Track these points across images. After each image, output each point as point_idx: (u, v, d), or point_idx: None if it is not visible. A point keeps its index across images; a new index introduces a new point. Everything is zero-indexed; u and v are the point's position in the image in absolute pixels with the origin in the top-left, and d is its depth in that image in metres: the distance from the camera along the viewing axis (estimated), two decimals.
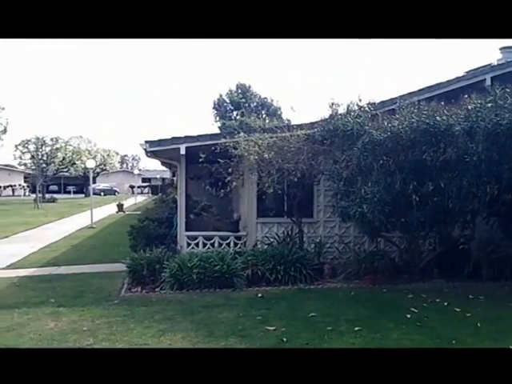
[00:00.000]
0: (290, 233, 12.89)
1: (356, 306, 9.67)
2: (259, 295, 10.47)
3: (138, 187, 73.24)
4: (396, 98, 12.16)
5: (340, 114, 11.82)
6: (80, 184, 73.64)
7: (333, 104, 12.14)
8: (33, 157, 57.11)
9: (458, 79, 13.44)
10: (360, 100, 11.96)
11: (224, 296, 10.48)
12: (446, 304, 9.72)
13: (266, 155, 11.86)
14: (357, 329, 8.12)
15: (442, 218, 10.67)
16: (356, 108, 11.84)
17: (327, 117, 12.05)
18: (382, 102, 12.46)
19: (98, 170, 67.91)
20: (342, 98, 12.71)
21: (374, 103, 12.04)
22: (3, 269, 14.40)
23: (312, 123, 12.46)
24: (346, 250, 12.93)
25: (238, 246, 12.97)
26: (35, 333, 8.21)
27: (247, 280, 11.24)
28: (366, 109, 11.76)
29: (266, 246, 12.54)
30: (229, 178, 12.29)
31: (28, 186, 71.63)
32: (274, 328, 8.24)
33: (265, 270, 11.39)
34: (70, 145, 66.32)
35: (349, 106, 11.96)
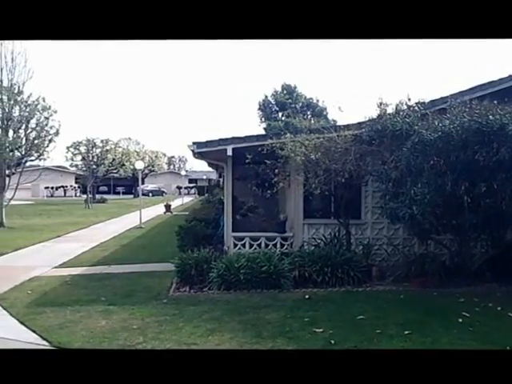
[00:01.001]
0: (337, 234, 12.80)
1: (405, 309, 9.52)
2: (306, 297, 10.44)
3: (185, 188, 74.11)
4: (447, 97, 11.92)
5: (388, 114, 11.68)
6: (129, 185, 75.00)
7: (381, 104, 12.01)
8: (84, 158, 58.52)
9: (511, 77, 13.08)
10: (409, 99, 11.80)
11: (271, 297, 10.48)
12: (499, 309, 9.46)
13: (312, 156, 11.82)
14: (406, 332, 7.99)
15: (495, 219, 10.39)
16: (405, 107, 11.68)
17: (375, 117, 11.93)
18: (432, 102, 12.24)
19: (146, 171, 69.03)
20: (390, 97, 12.55)
21: (424, 102, 11.84)
22: (56, 267, 14.79)
23: (359, 123, 12.34)
24: (394, 252, 12.74)
25: (285, 247, 12.95)
26: (87, 330, 8.41)
27: (294, 281, 11.21)
28: (416, 108, 11.58)
29: (312, 248, 12.49)
30: (275, 179, 12.28)
31: (79, 187, 73.34)
32: (321, 330, 8.20)
33: (312, 271, 11.34)
34: (120, 146, 67.76)
35: (397, 105, 11.81)
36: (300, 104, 66.01)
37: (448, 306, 9.67)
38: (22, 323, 8.94)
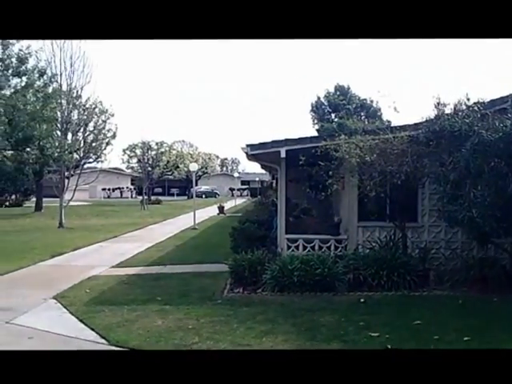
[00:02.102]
0: (392, 237, 12.58)
1: (464, 314, 9.26)
2: (361, 300, 10.31)
3: (238, 190, 74.62)
4: (507, 97, 11.56)
5: (446, 114, 11.40)
6: (183, 186, 76.11)
7: (438, 104, 11.74)
8: (139, 160, 59.68)
9: None
10: (468, 99, 11.49)
11: (325, 300, 10.40)
12: None
13: (367, 158, 11.65)
14: (466, 339, 7.77)
15: None
16: (464, 108, 11.38)
17: (432, 117, 11.68)
18: (492, 101, 11.88)
19: (199, 173, 69.80)
20: (447, 97, 12.23)
21: (483, 102, 11.50)
22: (113, 267, 15.13)
23: (416, 124, 12.10)
24: (452, 256, 12.43)
25: (339, 249, 12.83)
26: (143, 329, 8.55)
27: (348, 284, 11.10)
28: (475, 108, 11.27)
29: (367, 251, 12.32)
30: (329, 181, 12.18)
31: (135, 189, 74.92)
32: (377, 334, 8.08)
33: (367, 274, 11.19)
34: (174, 149, 68.82)
35: (456, 105, 11.52)
36: (354, 105, 65.40)
37: (509, 312, 9.36)
38: (81, 321, 9.17)
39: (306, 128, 73.99)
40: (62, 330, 8.67)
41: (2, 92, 18.15)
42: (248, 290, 11.26)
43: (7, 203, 47.97)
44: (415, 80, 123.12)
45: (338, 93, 66.25)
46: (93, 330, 8.60)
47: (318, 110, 67.25)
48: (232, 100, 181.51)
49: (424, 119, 11.94)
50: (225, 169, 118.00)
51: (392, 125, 15.05)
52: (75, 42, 29.05)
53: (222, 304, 10.20)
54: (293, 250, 12.83)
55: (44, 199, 42.05)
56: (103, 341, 8.05)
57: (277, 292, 10.91)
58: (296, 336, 8.11)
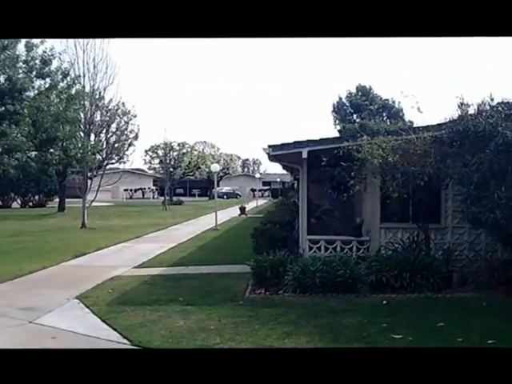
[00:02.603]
0: (415, 239, 12.48)
1: (489, 317, 9.13)
2: (384, 302, 10.24)
3: (259, 190, 74.65)
4: None
5: (470, 115, 11.28)
6: (204, 187, 76.38)
7: (462, 104, 11.61)
8: (161, 161, 60.07)
9: None
10: (492, 99, 11.35)
11: (347, 301, 10.35)
12: None
13: (390, 158, 11.58)
14: (490, 342, 7.67)
15: None
16: (488, 108, 11.25)
17: (456, 117, 11.56)
18: None
19: (221, 173, 70.03)
20: (471, 97, 12.09)
21: (508, 102, 11.35)
22: (135, 267, 15.24)
23: (439, 124, 11.99)
24: (476, 257, 12.28)
25: (361, 251, 12.76)
26: (166, 330, 8.58)
27: (371, 286, 11.02)
28: (499, 109, 11.13)
29: (390, 252, 12.23)
30: (351, 182, 12.12)
31: (156, 189, 75.41)
32: (400, 336, 8.01)
33: (389, 276, 11.10)
34: (196, 150, 69.20)
35: (480, 106, 11.39)
36: (376, 105, 65.06)
37: None
38: (103, 321, 9.24)
39: (328, 129, 73.77)
40: (85, 330, 8.75)
41: (26, 93, 18.36)
42: (270, 291, 11.25)
43: (31, 203, 48.59)
44: (437, 79, 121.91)
45: (359, 93, 65.99)
46: (115, 330, 8.65)
47: (339, 110, 67.03)
48: (254, 101, 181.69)
49: (447, 119, 11.83)
50: (246, 170, 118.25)
51: (414, 125, 14.93)
52: (98, 43, 29.39)
53: (244, 305, 10.21)
54: (314, 251, 12.80)
55: (67, 200, 42.51)
56: (125, 341, 8.11)
57: (299, 293, 10.89)
58: (319, 337, 8.08)
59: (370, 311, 9.56)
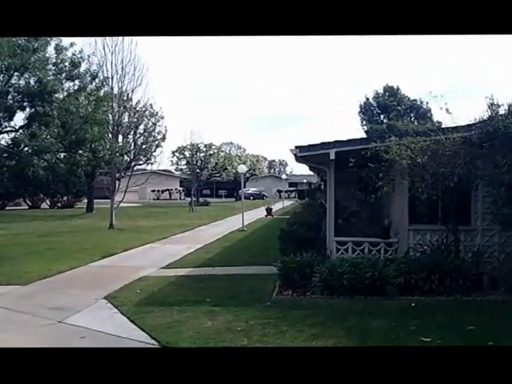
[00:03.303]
0: (444, 241, 12.31)
1: None
2: (412, 304, 10.12)
3: (285, 191, 74.54)
4: None
5: (501, 115, 11.10)
6: (230, 188, 76.58)
7: (492, 104, 11.43)
8: (188, 162, 60.40)
9: None
10: None
11: (375, 304, 10.25)
12: None
13: (419, 159, 11.44)
14: None
15: None
16: None
17: (486, 118, 11.38)
18: None
19: (247, 174, 70.12)
20: (501, 97, 11.88)
21: None
22: (163, 268, 15.33)
23: (469, 125, 11.82)
24: (507, 260, 12.06)
25: (389, 252, 12.64)
26: (193, 330, 8.60)
27: (399, 288, 10.90)
28: None
29: (418, 254, 12.10)
30: (379, 183, 12.01)
31: (183, 190, 75.86)
32: (429, 339, 7.90)
33: (418, 278, 10.96)
34: (222, 151, 69.38)
35: (510, 106, 11.20)
36: (403, 106, 64.47)
37: None
38: (132, 321, 9.30)
39: (354, 129, 73.29)
40: (114, 330, 8.82)
41: (56, 95, 18.60)
42: (297, 293, 11.21)
43: (59, 204, 49.28)
44: (466, 79, 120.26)
45: (387, 94, 65.48)
46: (143, 330, 8.70)
47: (366, 111, 66.60)
48: (279, 101, 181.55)
49: (477, 120, 11.66)
50: (272, 171, 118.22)
51: (443, 126, 14.74)
52: (126, 45, 29.66)
53: (271, 306, 10.19)
54: (342, 253, 12.72)
55: (95, 200, 43.03)
56: (153, 341, 8.14)
57: (326, 295, 10.83)
58: (346, 340, 8.02)
59: (398, 314, 9.45)
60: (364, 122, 65.79)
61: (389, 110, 63.59)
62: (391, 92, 65.80)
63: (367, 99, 67.34)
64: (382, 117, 65.09)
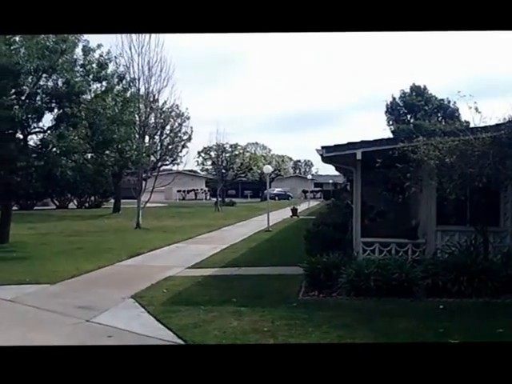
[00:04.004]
0: (473, 242, 12.13)
1: None
2: (440, 306, 9.98)
3: (311, 192, 74.34)
4: None
5: None
6: (256, 188, 76.56)
7: None
8: (214, 163, 60.62)
9: None
10: None
11: (403, 305, 10.14)
12: None
13: (447, 160, 11.30)
14: None
15: None
16: None
17: None
18: None
19: (272, 175, 70.07)
20: None
21: None
22: (189, 268, 15.39)
23: (498, 125, 11.63)
24: None
25: (416, 253, 12.51)
26: (219, 330, 8.62)
27: (427, 290, 10.78)
28: None
29: (446, 255, 11.94)
30: (407, 184, 11.89)
31: (209, 191, 76.12)
32: (457, 342, 7.79)
33: (446, 280, 10.82)
34: (247, 151, 69.44)
35: None
36: (430, 105, 63.76)
37: None
38: (158, 321, 9.36)
39: (381, 129, 72.65)
40: (141, 330, 8.88)
41: (83, 96, 18.80)
42: (323, 294, 11.16)
43: (87, 204, 49.83)
44: (494, 77, 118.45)
45: (413, 93, 64.81)
46: (170, 329, 8.75)
47: (393, 111, 66.03)
48: (305, 101, 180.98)
49: (506, 119, 11.48)
50: (298, 171, 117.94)
51: (472, 126, 14.54)
52: (153, 46, 29.93)
53: (297, 307, 10.15)
54: (369, 254, 12.62)
55: (122, 201, 43.44)
56: (180, 341, 8.18)
57: (352, 296, 10.76)
58: (373, 341, 7.94)
59: (426, 316, 9.35)
60: (391, 122, 65.22)
61: (415, 109, 62.98)
62: (418, 91, 65.10)
63: (394, 99, 66.73)
64: (408, 116, 64.46)
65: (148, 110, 30.70)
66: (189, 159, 64.43)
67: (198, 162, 64.19)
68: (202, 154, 63.04)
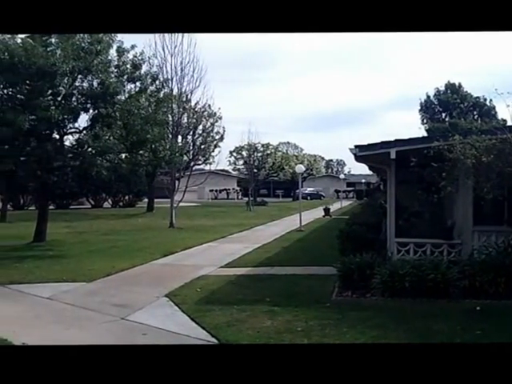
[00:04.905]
0: (510, 242, 11.86)
1: None
2: (477, 308, 9.80)
3: (343, 191, 73.89)
4: None
5: None
6: (288, 188, 76.44)
7: None
8: (245, 162, 60.72)
9: None
10: None
11: (438, 306, 10.00)
12: None
13: (484, 159, 11.09)
14: None
15: None
16: None
17: None
18: None
19: (304, 174, 69.87)
20: None
21: None
22: (222, 267, 15.44)
23: None
24: None
25: (452, 254, 12.31)
26: (253, 330, 8.62)
27: (463, 291, 10.60)
28: None
29: (483, 256, 11.71)
30: (442, 183, 11.70)
31: (241, 190, 76.30)
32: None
33: (483, 281, 10.62)
34: (279, 150, 69.35)
35: None
36: (465, 103, 62.73)
37: None
38: (192, 320, 9.41)
39: (415, 128, 71.88)
40: (175, 328, 8.95)
41: (118, 97, 19.01)
42: (357, 294, 11.07)
43: (121, 203, 50.43)
44: None
45: (448, 91, 63.85)
46: (204, 328, 8.79)
47: (427, 109, 65.17)
48: (338, 100, 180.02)
49: None
50: (330, 170, 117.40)
51: (509, 124, 14.25)
52: (185, 47, 30.13)
53: (331, 307, 10.10)
54: (403, 254, 12.47)
55: (155, 200, 43.84)
56: (214, 340, 8.21)
57: (387, 297, 10.64)
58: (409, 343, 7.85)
59: (462, 317, 9.19)
60: (425, 121, 64.37)
61: (451, 107, 62.05)
62: (453, 89, 64.12)
63: (428, 97, 65.91)
64: (443, 115, 63.56)
65: (181, 110, 30.91)
66: (221, 159, 64.56)
67: (229, 161, 64.49)
68: (234, 154, 63.28)
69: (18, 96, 17.94)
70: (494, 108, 60.67)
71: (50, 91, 17.95)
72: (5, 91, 17.91)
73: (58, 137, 19.55)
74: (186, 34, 29.98)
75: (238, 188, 78.19)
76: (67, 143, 20.08)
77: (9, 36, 17.26)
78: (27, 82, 17.35)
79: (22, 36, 17.62)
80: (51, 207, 28.57)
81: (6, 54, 16.60)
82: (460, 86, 64.62)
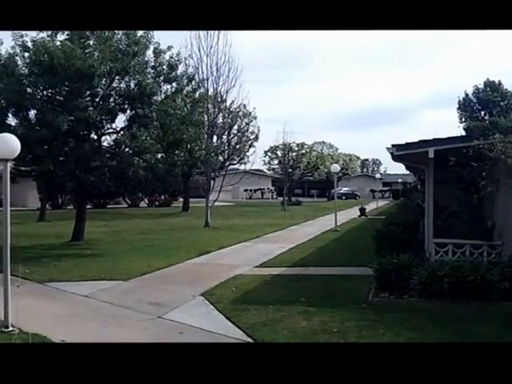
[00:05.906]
0: None
1: None
2: None
3: (379, 191, 73.18)
4: None
5: None
6: (322, 188, 76.10)
7: None
8: (280, 162, 60.64)
9: None
10: None
11: (478, 309, 9.78)
12: None
13: None
14: None
15: None
16: None
17: None
18: None
19: (339, 174, 69.45)
20: None
21: None
22: (257, 267, 15.44)
23: None
24: None
25: (492, 255, 12.04)
26: (288, 330, 8.60)
27: (504, 293, 10.36)
28: None
29: None
30: (482, 183, 11.46)
31: (275, 190, 76.26)
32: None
33: None
34: (314, 150, 69.05)
35: None
36: (506, 101, 61.36)
37: None
38: (228, 319, 9.43)
39: (454, 126, 70.76)
40: (211, 327, 8.97)
41: (155, 98, 19.17)
42: (394, 295, 10.92)
43: (157, 203, 50.92)
44: None
45: (487, 89, 62.51)
46: (239, 328, 8.80)
47: (466, 107, 63.93)
48: (371, 99, 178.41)
49: None
50: (365, 170, 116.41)
51: None
52: (221, 47, 30.22)
53: (367, 308, 9.99)
54: (441, 255, 12.26)
55: (190, 199, 44.16)
56: (249, 339, 8.21)
57: (425, 298, 10.47)
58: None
59: (503, 320, 8.99)
60: (463, 119, 63.18)
61: (490, 105, 60.76)
62: (493, 87, 62.76)
63: (466, 95, 64.58)
64: (482, 113, 62.29)
65: (216, 110, 31.02)
66: (256, 158, 64.62)
67: (264, 161, 64.55)
68: (269, 154, 63.31)
69: (57, 97, 18.23)
70: None
71: (88, 92, 18.20)
72: (44, 93, 18.20)
73: (95, 137, 19.81)
74: (221, 35, 30.06)
75: (273, 188, 78.16)
76: (105, 143, 20.34)
77: (48, 39, 17.58)
78: (66, 83, 17.61)
79: (61, 38, 17.92)
80: (89, 206, 29.02)
81: (46, 56, 16.89)
82: (500, 83, 63.19)
